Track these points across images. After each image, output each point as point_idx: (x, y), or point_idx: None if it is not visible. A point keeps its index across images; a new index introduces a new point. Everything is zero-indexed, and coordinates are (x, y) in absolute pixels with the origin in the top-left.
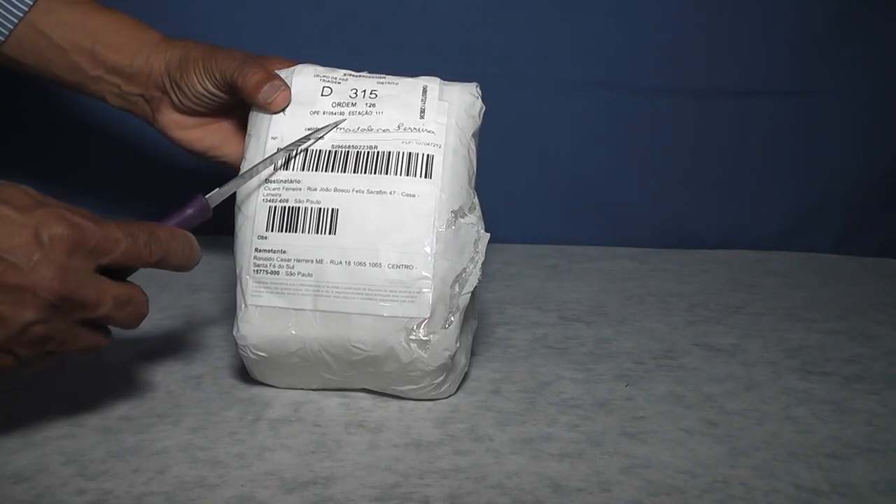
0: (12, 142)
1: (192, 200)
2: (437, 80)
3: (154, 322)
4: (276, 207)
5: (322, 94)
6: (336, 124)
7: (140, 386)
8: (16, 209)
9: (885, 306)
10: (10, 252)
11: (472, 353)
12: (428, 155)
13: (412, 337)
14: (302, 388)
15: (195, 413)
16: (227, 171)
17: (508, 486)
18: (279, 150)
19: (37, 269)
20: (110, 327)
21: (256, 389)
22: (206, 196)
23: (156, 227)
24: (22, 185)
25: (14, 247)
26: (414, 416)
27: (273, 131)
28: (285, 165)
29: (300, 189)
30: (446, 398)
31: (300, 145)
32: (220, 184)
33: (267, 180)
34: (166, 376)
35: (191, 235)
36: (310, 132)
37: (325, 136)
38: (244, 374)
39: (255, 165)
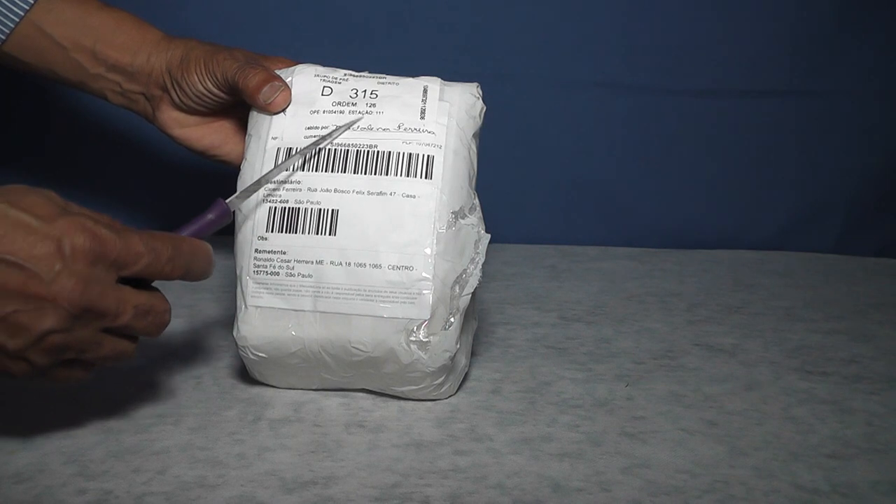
0: (9, 137)
1: (212, 205)
2: (438, 80)
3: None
4: (276, 208)
5: (322, 94)
6: (355, 121)
7: (140, 386)
8: (38, 218)
9: (885, 306)
10: (32, 262)
11: (473, 354)
12: (428, 156)
13: (412, 338)
14: (302, 389)
15: (195, 413)
16: (228, 169)
17: (508, 486)
18: (297, 152)
19: (58, 280)
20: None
21: (256, 389)
22: (227, 200)
23: (180, 241)
24: (45, 191)
25: (36, 257)
26: (414, 416)
27: (274, 131)
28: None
29: (300, 190)
30: (446, 398)
31: (320, 144)
32: (222, 182)
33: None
34: (166, 376)
35: (209, 247)
36: (330, 131)
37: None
38: (244, 374)
39: (272, 170)
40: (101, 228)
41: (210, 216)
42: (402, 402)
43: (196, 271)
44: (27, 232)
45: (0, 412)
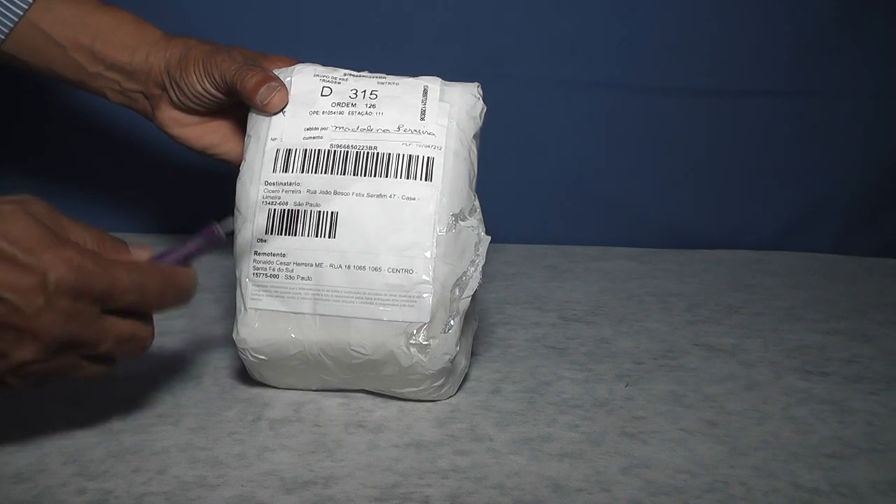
0: (10, 137)
1: (204, 230)
2: (438, 80)
3: (154, 322)
4: (275, 210)
5: (322, 95)
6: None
7: (140, 386)
8: (24, 250)
9: (885, 306)
10: (16, 295)
11: (473, 354)
12: (428, 157)
13: (412, 341)
14: (302, 389)
15: (195, 413)
16: (228, 168)
17: (508, 486)
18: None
19: (40, 315)
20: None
21: (256, 389)
22: (219, 224)
23: (171, 274)
24: (39, 210)
25: (19, 290)
26: (414, 416)
27: (273, 132)
28: (284, 167)
29: (300, 192)
30: (446, 399)
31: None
32: (222, 182)
33: (266, 182)
34: (166, 376)
35: (196, 275)
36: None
37: (325, 137)
38: (244, 374)
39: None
40: (87, 262)
41: (202, 242)
42: (402, 402)
43: (182, 303)
44: (12, 264)
45: (0, 412)
